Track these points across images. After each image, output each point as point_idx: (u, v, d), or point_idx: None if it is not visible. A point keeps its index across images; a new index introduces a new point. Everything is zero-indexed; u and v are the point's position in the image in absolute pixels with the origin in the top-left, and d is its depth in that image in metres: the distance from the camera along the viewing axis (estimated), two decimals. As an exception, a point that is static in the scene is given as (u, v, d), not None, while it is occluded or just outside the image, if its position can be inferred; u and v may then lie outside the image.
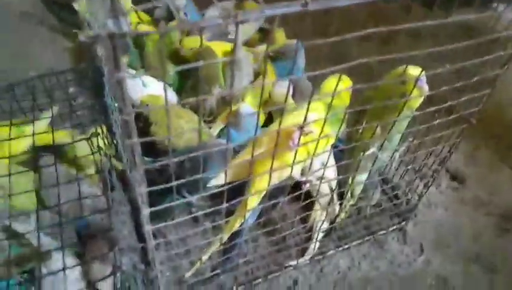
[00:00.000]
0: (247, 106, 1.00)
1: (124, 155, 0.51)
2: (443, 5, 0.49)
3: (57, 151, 0.80)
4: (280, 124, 0.52)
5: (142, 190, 0.47)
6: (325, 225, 0.85)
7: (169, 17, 1.27)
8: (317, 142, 0.57)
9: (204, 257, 0.72)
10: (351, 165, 0.71)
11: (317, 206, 0.89)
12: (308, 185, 0.68)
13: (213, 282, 0.80)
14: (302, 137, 0.56)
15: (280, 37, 1.24)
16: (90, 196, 0.72)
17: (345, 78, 0.67)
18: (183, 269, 0.80)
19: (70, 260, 0.68)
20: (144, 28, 1.21)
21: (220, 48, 1.12)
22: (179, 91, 1.12)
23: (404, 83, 0.63)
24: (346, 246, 0.89)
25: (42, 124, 0.82)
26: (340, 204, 0.85)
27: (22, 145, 0.80)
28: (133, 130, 0.40)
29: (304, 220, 0.91)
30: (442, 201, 1.03)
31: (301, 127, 0.54)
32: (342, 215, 0.86)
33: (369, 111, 0.71)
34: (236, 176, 0.65)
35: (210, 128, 1.02)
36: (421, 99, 0.66)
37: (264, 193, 0.67)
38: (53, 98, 0.84)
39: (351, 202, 0.84)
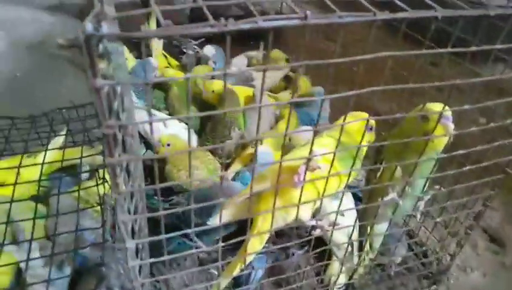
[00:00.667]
0: (266, 149, 0.96)
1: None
2: (473, 58, 0.45)
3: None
4: (285, 157, 0.48)
5: (125, 218, 0.43)
6: (343, 280, 0.76)
7: (198, 62, 1.31)
8: (327, 181, 0.52)
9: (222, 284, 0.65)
10: (369, 211, 0.65)
11: (334, 258, 0.81)
12: (318, 230, 0.62)
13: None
14: (309, 173, 0.52)
15: (304, 84, 1.23)
16: (88, 230, 0.69)
17: (361, 114, 0.62)
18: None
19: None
20: (171, 72, 1.24)
21: (242, 92, 1.12)
22: (199, 132, 1.11)
23: (426, 120, 0.57)
24: (367, 308, 0.79)
25: (58, 141, 0.83)
26: (359, 257, 0.76)
27: (33, 173, 0.79)
28: (115, 147, 0.38)
29: (320, 272, 0.82)
30: (479, 264, 0.92)
31: (307, 161, 0.49)
32: (361, 270, 0.77)
33: (387, 151, 0.65)
34: (239, 215, 0.60)
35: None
36: (445, 140, 0.60)
37: (269, 236, 0.61)
38: (70, 129, 0.85)
39: (370, 256, 0.75)
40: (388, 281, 0.84)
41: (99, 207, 0.77)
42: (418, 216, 0.70)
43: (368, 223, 0.67)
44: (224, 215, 0.62)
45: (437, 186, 0.67)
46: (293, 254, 0.86)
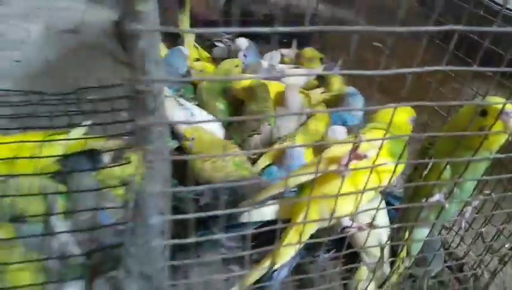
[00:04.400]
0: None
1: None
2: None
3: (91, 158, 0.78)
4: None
5: (155, 188, 0.40)
6: (372, 288, 0.71)
7: (229, 55, 1.28)
8: (370, 172, 0.47)
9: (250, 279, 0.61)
10: (410, 214, 0.59)
11: (362, 265, 0.75)
12: (354, 229, 0.57)
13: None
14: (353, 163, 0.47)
15: (336, 82, 1.19)
16: (109, 213, 0.67)
17: (406, 108, 0.58)
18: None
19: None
20: (200, 64, 1.22)
21: (274, 87, 1.09)
22: (227, 126, 1.08)
23: (484, 115, 0.52)
24: (396, 321, 0.73)
25: (79, 132, 0.81)
26: (392, 263, 0.71)
27: (55, 151, 0.78)
28: (150, 106, 0.34)
29: (347, 277, 0.77)
30: (522, 286, 0.84)
31: (355, 148, 0.44)
32: (394, 278, 0.71)
33: (437, 149, 0.60)
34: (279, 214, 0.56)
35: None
36: (503, 139, 0.54)
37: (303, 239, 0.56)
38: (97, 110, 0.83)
39: (406, 264, 0.70)
40: (420, 295, 0.78)
41: (120, 190, 0.75)
42: (463, 224, 0.64)
43: (407, 227, 0.62)
44: (257, 213, 0.59)
45: (487, 192, 0.61)
46: (319, 256, 0.81)
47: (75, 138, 0.82)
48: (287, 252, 0.57)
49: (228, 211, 0.41)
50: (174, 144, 1.00)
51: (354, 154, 0.46)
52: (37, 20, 1.62)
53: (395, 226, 0.58)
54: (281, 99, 1.05)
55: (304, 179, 0.53)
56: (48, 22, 1.60)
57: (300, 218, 0.57)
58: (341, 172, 0.46)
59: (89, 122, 0.84)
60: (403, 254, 0.69)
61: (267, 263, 0.57)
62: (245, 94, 1.07)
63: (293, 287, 0.76)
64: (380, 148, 0.44)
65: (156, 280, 0.46)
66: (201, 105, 1.11)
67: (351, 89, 1.14)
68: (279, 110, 1.03)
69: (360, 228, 0.57)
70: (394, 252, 0.72)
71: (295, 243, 0.56)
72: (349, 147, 0.49)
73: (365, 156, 0.48)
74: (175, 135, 1.02)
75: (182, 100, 1.07)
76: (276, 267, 0.57)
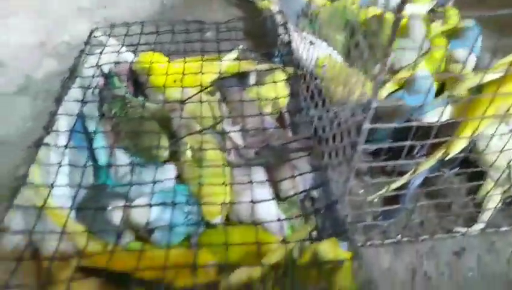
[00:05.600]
0: (425, 72, 0.98)
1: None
2: None
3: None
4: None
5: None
6: (498, 202, 0.79)
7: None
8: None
9: (393, 185, 0.73)
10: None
11: (489, 180, 0.82)
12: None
13: (376, 229, 0.80)
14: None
15: (453, 16, 1.19)
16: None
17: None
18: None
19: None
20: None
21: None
22: (346, 58, 1.14)
23: None
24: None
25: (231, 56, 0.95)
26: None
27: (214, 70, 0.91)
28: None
29: (473, 191, 0.85)
30: None
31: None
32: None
33: None
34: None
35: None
36: None
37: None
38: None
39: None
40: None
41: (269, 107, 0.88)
42: None
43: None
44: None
45: None
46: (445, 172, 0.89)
47: (229, 60, 0.95)
48: (460, 144, 0.68)
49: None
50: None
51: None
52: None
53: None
54: (403, 31, 1.09)
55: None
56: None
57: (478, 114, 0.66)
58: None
59: (240, 47, 0.96)
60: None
61: (440, 154, 0.67)
62: (366, 27, 1.12)
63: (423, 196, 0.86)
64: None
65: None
66: (320, 37, 1.18)
67: (470, 22, 1.15)
68: (401, 42, 1.08)
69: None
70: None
71: (468, 137, 0.67)
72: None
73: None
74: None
75: (303, 34, 1.15)
76: (449, 156, 0.68)
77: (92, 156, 0.79)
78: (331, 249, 0.47)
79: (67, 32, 1.42)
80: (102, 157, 0.78)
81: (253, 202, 0.63)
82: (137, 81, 1.00)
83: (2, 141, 1.01)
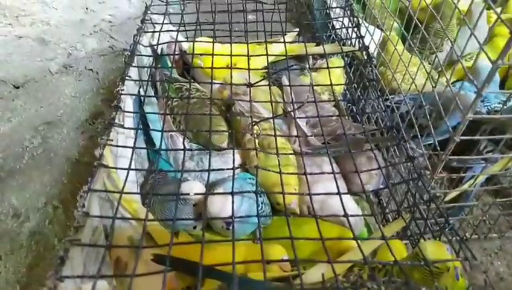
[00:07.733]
0: (485, 60, 0.93)
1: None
2: None
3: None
4: None
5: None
6: None
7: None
8: None
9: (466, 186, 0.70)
10: None
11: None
12: None
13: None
14: None
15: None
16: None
17: None
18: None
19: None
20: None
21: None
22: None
23: None
24: None
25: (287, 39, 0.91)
26: None
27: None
28: None
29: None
30: None
31: None
32: None
33: None
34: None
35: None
36: None
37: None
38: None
39: None
40: None
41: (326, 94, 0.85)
42: None
43: None
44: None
45: None
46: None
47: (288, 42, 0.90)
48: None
49: None
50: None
51: None
52: None
53: None
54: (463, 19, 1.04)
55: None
56: None
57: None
58: None
59: (296, 30, 0.92)
60: None
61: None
62: (425, 14, 1.07)
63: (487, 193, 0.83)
64: None
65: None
66: (371, 23, 1.13)
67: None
68: (462, 30, 1.03)
69: None
70: None
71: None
72: None
73: None
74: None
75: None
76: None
77: (149, 140, 0.77)
78: (437, 251, 0.43)
79: (107, 10, 1.39)
80: (158, 142, 0.75)
81: (339, 194, 0.54)
82: (186, 63, 0.97)
83: (49, 121, 0.99)
